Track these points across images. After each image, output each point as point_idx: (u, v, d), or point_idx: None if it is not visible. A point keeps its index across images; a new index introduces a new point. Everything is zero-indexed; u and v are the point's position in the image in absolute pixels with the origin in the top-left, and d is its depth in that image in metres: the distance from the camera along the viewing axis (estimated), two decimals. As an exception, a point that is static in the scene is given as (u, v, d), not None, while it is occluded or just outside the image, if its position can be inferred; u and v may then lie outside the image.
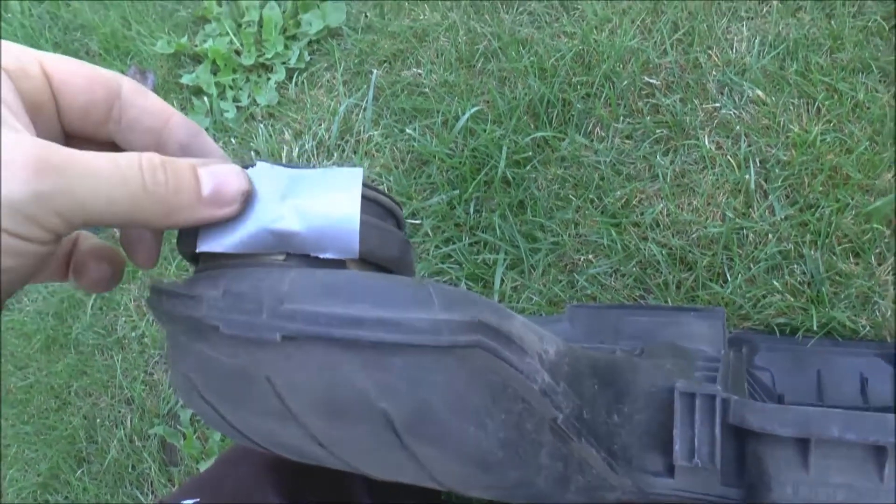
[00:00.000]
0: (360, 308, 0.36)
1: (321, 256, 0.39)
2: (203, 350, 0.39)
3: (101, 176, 0.28)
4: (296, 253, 0.38)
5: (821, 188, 0.88)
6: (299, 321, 0.36)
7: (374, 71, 1.13)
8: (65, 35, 1.37)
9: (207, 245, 0.36)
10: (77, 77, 0.33)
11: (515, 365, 0.39)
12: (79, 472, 0.99)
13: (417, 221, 1.01)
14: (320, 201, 0.37)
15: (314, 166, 0.41)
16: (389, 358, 0.36)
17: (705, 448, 0.49)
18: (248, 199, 0.35)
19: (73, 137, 0.35)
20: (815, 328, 0.81)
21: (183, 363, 0.40)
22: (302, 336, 0.36)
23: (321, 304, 0.36)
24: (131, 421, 1.01)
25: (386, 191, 0.48)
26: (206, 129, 1.19)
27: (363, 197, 0.40)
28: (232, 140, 1.16)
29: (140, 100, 0.35)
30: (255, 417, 0.38)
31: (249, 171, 0.37)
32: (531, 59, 1.06)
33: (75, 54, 1.37)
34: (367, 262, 0.41)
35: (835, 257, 0.85)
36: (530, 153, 1.00)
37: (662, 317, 0.79)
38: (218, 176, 0.33)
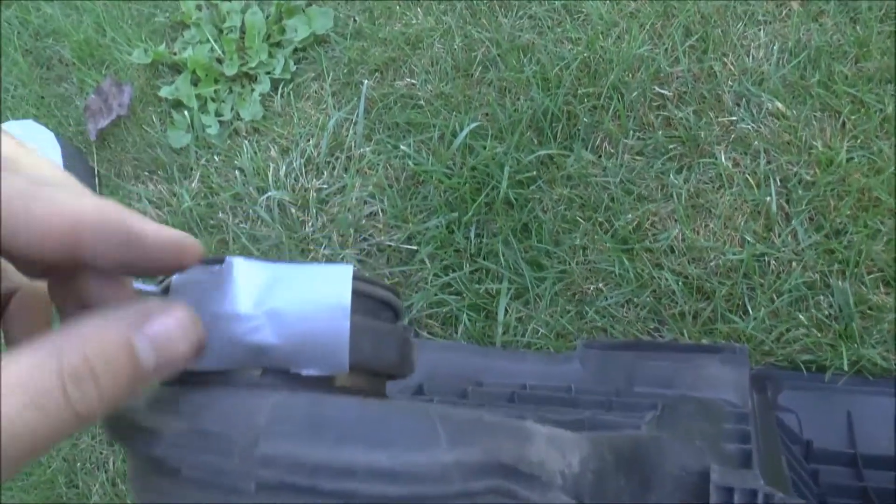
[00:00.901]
0: (352, 451, 0.30)
1: (304, 374, 0.32)
2: (166, 487, 0.32)
3: (8, 417, 0.22)
4: (275, 368, 0.32)
5: (848, 212, 0.82)
6: (279, 468, 0.30)
7: (365, 81, 1.06)
8: (36, 41, 1.29)
9: None
10: None
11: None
12: (60, 514, 0.94)
13: (414, 247, 0.94)
14: (302, 308, 0.31)
15: (295, 261, 0.34)
16: (390, 513, 0.29)
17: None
18: (203, 347, 0.29)
19: None
20: (845, 367, 0.76)
21: (145, 494, 0.34)
22: (282, 487, 0.30)
23: (304, 445, 0.30)
24: (114, 463, 0.95)
25: (380, 280, 0.40)
26: (188, 146, 1.12)
27: (353, 293, 0.33)
28: (215, 158, 1.09)
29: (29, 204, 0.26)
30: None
31: (219, 268, 0.31)
32: (533, 68, 0.99)
33: (48, 62, 1.29)
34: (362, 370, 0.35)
35: (865, 288, 0.79)
36: (534, 172, 0.94)
37: (680, 361, 0.73)
38: (160, 342, 0.27)
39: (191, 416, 0.30)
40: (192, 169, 1.10)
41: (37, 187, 0.25)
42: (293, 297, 0.32)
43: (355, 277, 0.35)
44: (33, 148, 0.29)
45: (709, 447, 0.53)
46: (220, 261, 0.31)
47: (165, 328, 0.26)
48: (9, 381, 0.22)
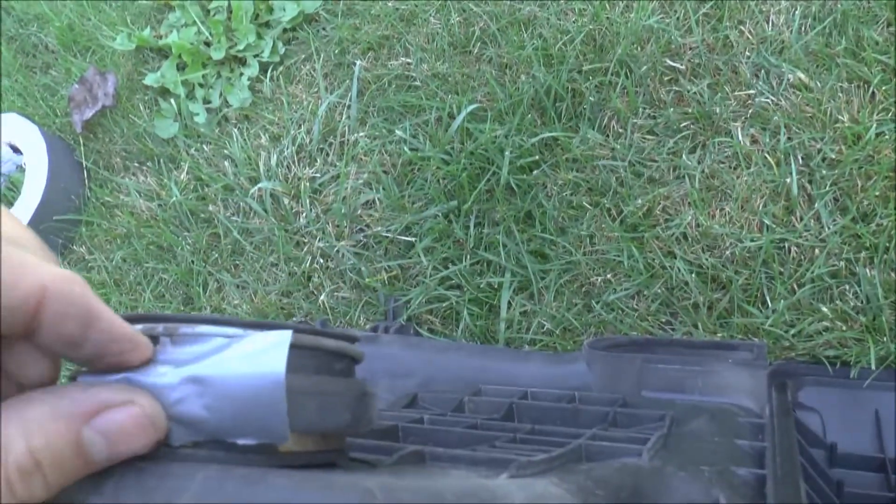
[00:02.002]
0: (284, 544, 0.26)
1: (241, 444, 0.29)
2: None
3: None
4: (209, 440, 0.28)
5: (877, 193, 0.75)
6: (201, 565, 0.26)
7: (358, 62, 1.00)
8: (20, 28, 1.24)
9: None
10: None
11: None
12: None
13: (412, 239, 0.90)
14: (234, 375, 0.28)
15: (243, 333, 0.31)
16: None
17: None
18: (163, 438, 0.28)
19: None
20: (872, 364, 0.70)
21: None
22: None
23: (233, 533, 0.26)
24: None
25: (334, 328, 0.36)
26: (175, 137, 1.08)
27: (297, 346, 0.30)
28: (204, 147, 1.04)
29: None
30: None
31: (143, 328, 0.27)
32: (535, 43, 0.93)
33: (33, 49, 1.25)
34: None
35: (895, 276, 0.73)
36: (537, 156, 0.88)
37: (692, 364, 0.68)
38: (114, 437, 0.25)
39: (111, 496, 0.27)
40: (180, 160, 1.06)
41: (5, 245, 0.24)
42: (224, 366, 0.28)
43: (302, 331, 0.31)
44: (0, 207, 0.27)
45: (718, 475, 0.48)
46: (155, 335, 0.28)
47: (119, 423, 0.25)
48: None
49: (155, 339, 0.28)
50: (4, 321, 0.23)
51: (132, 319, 0.28)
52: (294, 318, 0.91)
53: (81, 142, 1.12)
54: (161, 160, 1.07)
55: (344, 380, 0.33)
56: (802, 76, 0.83)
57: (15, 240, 0.25)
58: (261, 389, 0.28)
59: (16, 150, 1.10)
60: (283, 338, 0.29)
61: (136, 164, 1.09)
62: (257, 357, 0.28)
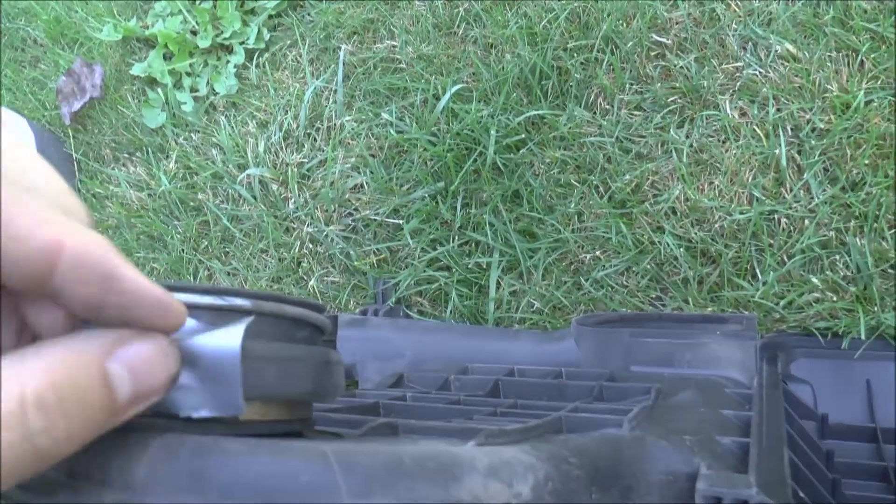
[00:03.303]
0: (236, 508, 0.26)
1: (194, 416, 0.28)
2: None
3: None
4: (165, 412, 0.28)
5: (867, 161, 0.74)
6: (153, 531, 0.26)
7: (343, 46, 0.99)
8: (8, 22, 1.24)
9: None
10: None
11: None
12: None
13: (399, 221, 0.89)
14: (196, 345, 0.28)
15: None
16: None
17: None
18: (176, 380, 0.26)
19: None
20: (862, 334, 0.69)
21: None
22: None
23: (185, 501, 0.26)
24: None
25: (297, 297, 0.35)
26: (163, 126, 1.07)
27: (256, 313, 0.29)
28: (192, 136, 1.04)
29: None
30: None
31: None
32: (519, 21, 0.92)
33: (22, 43, 1.25)
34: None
35: (886, 245, 0.72)
36: (523, 134, 0.87)
37: (681, 337, 0.67)
38: (138, 368, 0.24)
39: (67, 464, 0.27)
40: (169, 149, 1.05)
41: (22, 195, 0.22)
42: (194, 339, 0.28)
43: (262, 297, 0.31)
44: (29, 149, 0.25)
45: (700, 444, 0.48)
46: None
47: (145, 353, 0.24)
48: None
49: None
50: (13, 276, 0.22)
51: None
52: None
53: (71, 134, 1.12)
54: (150, 150, 1.06)
55: (305, 347, 0.32)
56: (790, 47, 0.82)
57: (39, 190, 0.24)
58: (216, 360, 0.27)
59: None
60: (244, 308, 0.29)
61: (126, 155, 1.09)
62: (218, 330, 0.28)
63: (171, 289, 0.27)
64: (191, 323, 0.28)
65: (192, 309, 0.28)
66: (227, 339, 0.27)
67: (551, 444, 0.39)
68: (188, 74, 1.07)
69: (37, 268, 0.22)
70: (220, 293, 0.30)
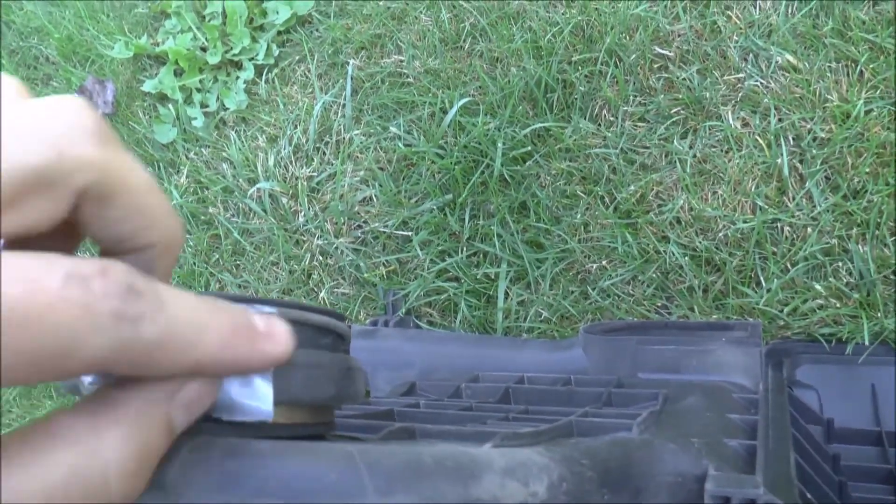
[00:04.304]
0: (267, 508, 0.27)
1: (225, 419, 0.29)
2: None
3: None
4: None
5: (868, 169, 0.76)
6: (186, 530, 0.27)
7: (351, 61, 1.01)
8: (21, 41, 1.26)
9: None
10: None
11: (490, 547, 0.30)
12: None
13: (408, 233, 0.91)
14: None
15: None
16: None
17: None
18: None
19: None
20: (866, 340, 0.70)
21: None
22: (190, 549, 0.27)
23: (217, 501, 0.27)
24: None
25: (323, 305, 0.36)
26: (174, 141, 1.09)
27: (284, 321, 0.31)
28: (203, 151, 1.06)
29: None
30: None
31: None
32: (524, 36, 0.94)
33: (34, 61, 1.27)
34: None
35: (887, 252, 0.73)
36: (530, 146, 0.89)
37: (687, 344, 0.69)
38: (192, 406, 0.25)
39: None
40: (180, 164, 1.07)
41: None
42: None
43: (288, 305, 0.32)
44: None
45: (708, 446, 0.49)
46: None
47: (196, 390, 0.25)
48: (62, 463, 0.20)
49: None
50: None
51: None
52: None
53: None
54: (161, 165, 1.08)
55: (329, 353, 0.33)
56: (791, 58, 0.83)
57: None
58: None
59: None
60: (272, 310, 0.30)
61: (137, 170, 1.11)
62: None
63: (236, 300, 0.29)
64: None
65: None
66: None
67: (564, 447, 0.40)
68: (198, 90, 1.09)
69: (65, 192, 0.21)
70: (249, 301, 0.31)
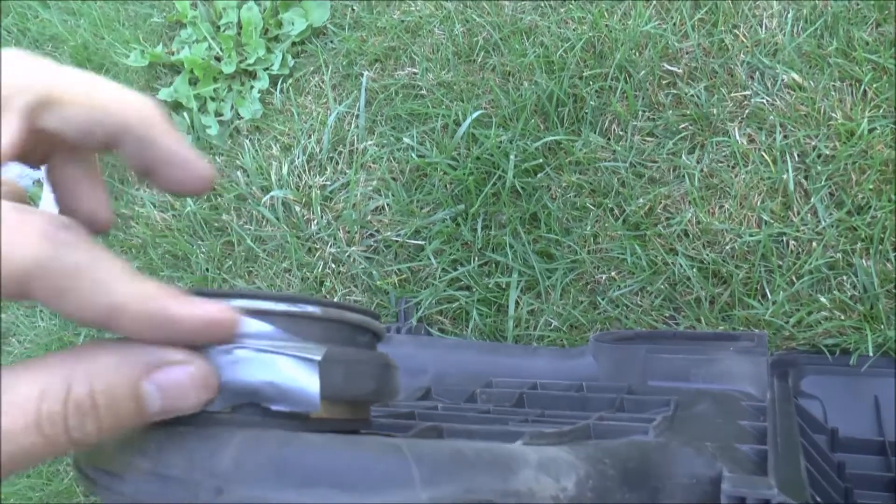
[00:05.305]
0: (319, 494, 0.29)
1: (273, 409, 0.31)
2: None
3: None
4: (245, 404, 0.31)
5: (871, 186, 0.78)
6: (242, 516, 0.28)
7: (365, 73, 1.03)
8: (35, 48, 1.28)
9: None
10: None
11: (525, 538, 0.31)
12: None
13: (421, 242, 0.92)
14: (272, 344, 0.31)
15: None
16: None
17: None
18: (213, 400, 0.29)
19: None
20: (870, 351, 0.72)
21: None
22: (246, 535, 0.28)
23: (270, 488, 0.29)
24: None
25: (357, 304, 0.38)
26: (189, 148, 1.11)
27: (325, 319, 0.32)
28: (217, 159, 1.08)
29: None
30: None
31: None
32: (536, 51, 0.96)
33: (50, 68, 1.28)
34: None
35: (890, 266, 0.75)
36: (541, 159, 0.91)
37: (696, 353, 0.70)
38: (169, 392, 0.27)
39: (154, 457, 0.30)
40: (195, 171, 1.09)
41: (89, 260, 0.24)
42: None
43: (328, 304, 0.34)
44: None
45: (721, 450, 0.50)
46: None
47: (176, 380, 0.27)
48: (16, 400, 0.23)
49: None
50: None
51: (202, 295, 0.30)
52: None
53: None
54: (175, 172, 1.10)
55: (367, 350, 0.35)
56: (796, 76, 0.86)
57: (95, 255, 0.26)
58: (298, 362, 0.30)
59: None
60: (314, 315, 0.31)
61: (151, 177, 1.12)
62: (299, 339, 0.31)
63: (245, 296, 0.31)
64: (268, 328, 0.31)
65: (269, 315, 0.31)
66: (309, 350, 0.31)
67: (586, 447, 0.42)
68: (213, 99, 1.11)
69: (102, 321, 0.25)
70: (293, 300, 0.33)
